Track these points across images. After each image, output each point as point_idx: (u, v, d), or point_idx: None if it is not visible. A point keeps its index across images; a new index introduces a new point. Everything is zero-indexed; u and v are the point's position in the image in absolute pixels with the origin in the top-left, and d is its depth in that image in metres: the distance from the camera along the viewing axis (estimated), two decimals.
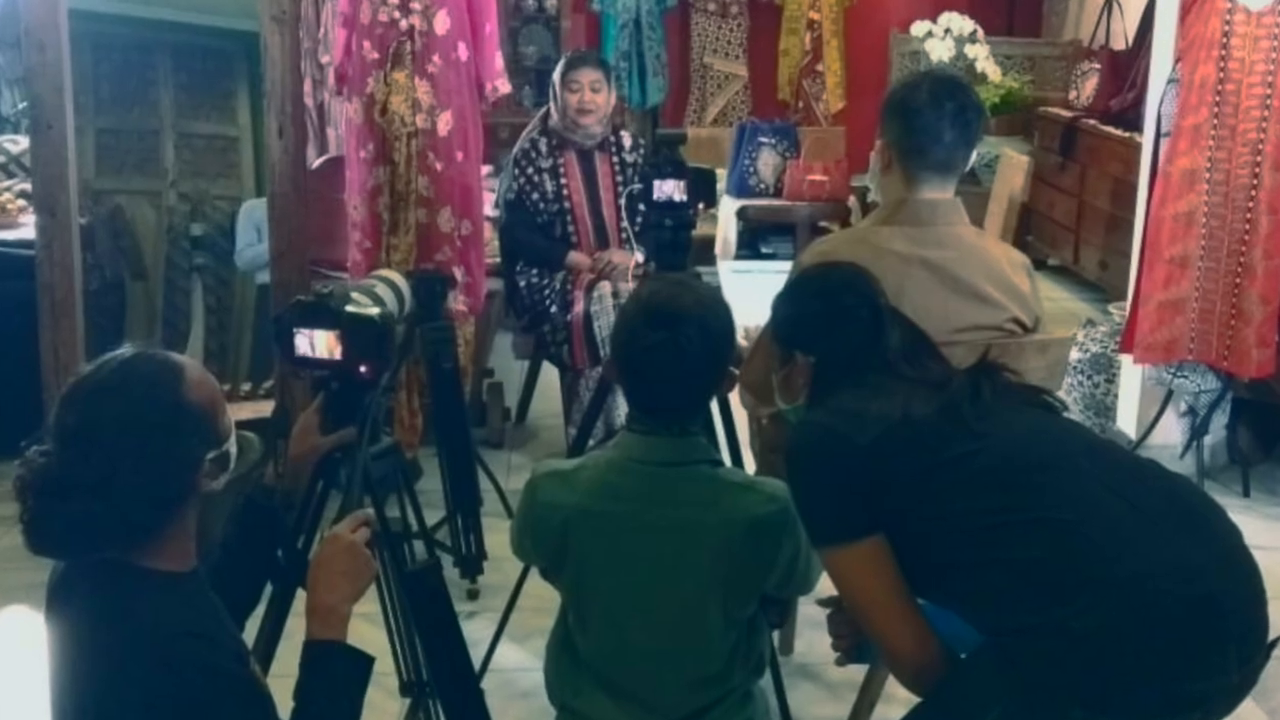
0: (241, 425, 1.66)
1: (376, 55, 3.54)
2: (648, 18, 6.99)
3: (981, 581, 1.68)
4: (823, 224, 5.64)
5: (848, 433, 1.74)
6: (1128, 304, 3.97)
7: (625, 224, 4.04)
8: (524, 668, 2.90)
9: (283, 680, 1.64)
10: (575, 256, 4.00)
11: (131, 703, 1.44)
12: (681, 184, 2.80)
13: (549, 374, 4.31)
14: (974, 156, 2.36)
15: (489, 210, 4.18)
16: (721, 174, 5.58)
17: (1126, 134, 5.54)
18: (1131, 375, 4.13)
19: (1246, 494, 3.98)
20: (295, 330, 1.87)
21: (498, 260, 4.12)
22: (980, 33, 6.71)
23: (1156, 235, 3.76)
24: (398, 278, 2.75)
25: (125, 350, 1.57)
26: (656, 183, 2.81)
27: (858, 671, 2.42)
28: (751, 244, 5.81)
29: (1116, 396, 4.23)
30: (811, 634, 2.92)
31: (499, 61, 3.76)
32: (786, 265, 2.89)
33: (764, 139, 5.66)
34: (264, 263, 3.88)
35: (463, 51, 3.61)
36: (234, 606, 1.70)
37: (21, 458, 1.51)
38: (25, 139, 4.02)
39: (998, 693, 1.64)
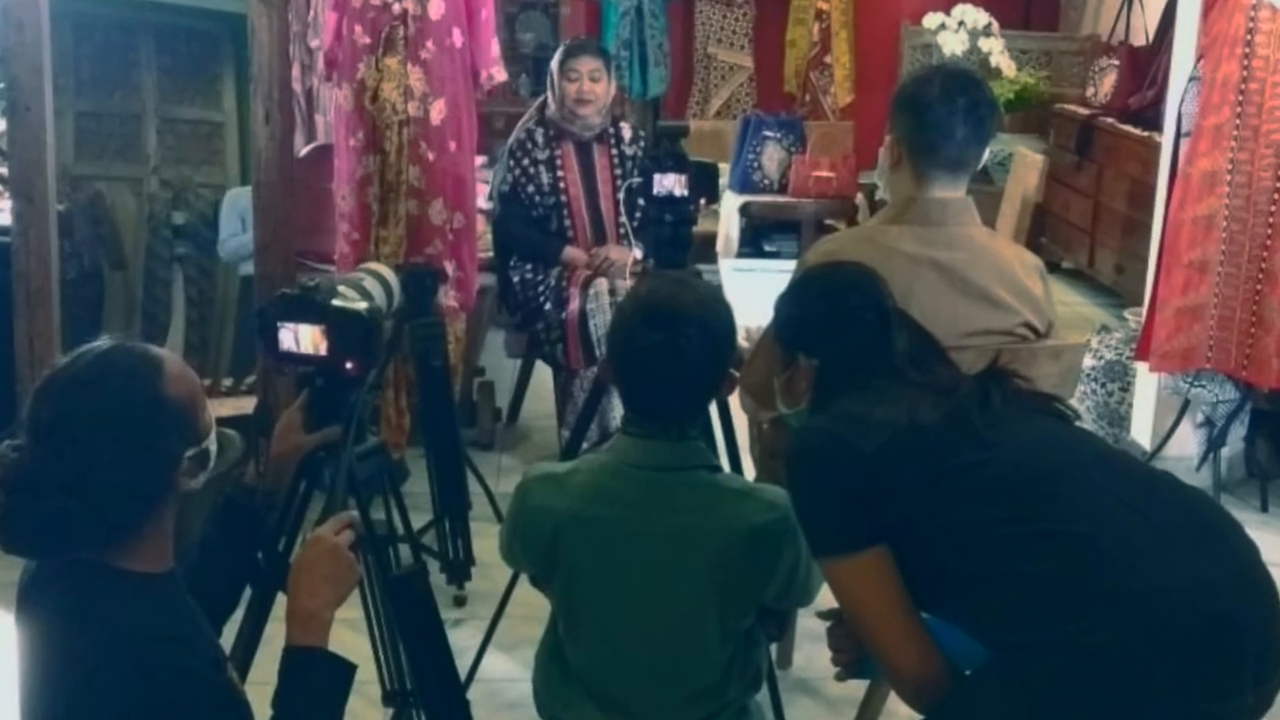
0: (222, 422, 1.66)
1: (368, 40, 3.52)
2: (650, 5, 6.96)
3: (988, 595, 1.65)
4: (829, 222, 5.63)
5: (851, 439, 1.72)
6: (1144, 310, 3.93)
7: (624, 219, 4.02)
8: (512, 678, 2.88)
9: (261, 688, 1.62)
10: (571, 252, 3.97)
11: (104, 708, 1.42)
12: (683, 178, 2.77)
13: (542, 373, 4.28)
14: (986, 154, 2.35)
15: (482, 203, 4.16)
16: (724, 168, 5.53)
17: (1145, 133, 5.48)
18: (1147, 384, 4.07)
19: (1265, 509, 3.94)
20: (279, 324, 1.85)
21: (490, 255, 4.11)
22: (995, 26, 6.66)
23: (1175, 239, 3.71)
24: (386, 271, 2.72)
25: (103, 342, 1.54)
26: (657, 176, 2.78)
27: (858, 687, 2.41)
28: (754, 242, 5.81)
29: (1131, 405, 4.18)
30: (811, 647, 2.90)
31: (495, 48, 3.75)
32: (790, 264, 2.89)
33: (769, 133, 5.64)
34: (248, 253, 3.84)
35: (457, 37, 3.59)
36: (211, 610, 1.68)
37: None
38: (2, 122, 3.96)
39: (1004, 711, 1.61)
